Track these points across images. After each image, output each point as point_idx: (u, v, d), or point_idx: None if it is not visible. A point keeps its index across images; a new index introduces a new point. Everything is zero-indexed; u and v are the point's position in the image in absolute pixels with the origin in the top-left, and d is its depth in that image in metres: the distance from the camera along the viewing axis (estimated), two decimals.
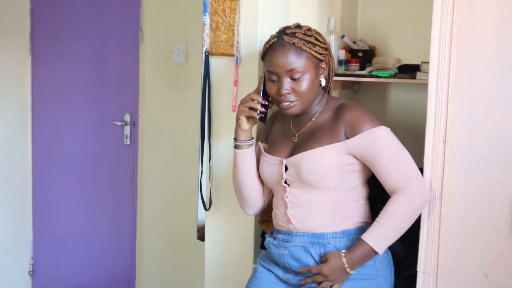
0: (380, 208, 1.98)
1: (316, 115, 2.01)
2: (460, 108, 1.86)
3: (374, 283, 1.94)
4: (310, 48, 1.92)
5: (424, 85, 1.98)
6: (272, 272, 2.08)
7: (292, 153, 2.00)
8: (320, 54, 1.94)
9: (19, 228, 4.02)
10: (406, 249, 2.15)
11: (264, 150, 2.12)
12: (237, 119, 2.09)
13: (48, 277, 4.09)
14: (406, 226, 1.89)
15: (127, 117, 3.64)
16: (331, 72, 2.07)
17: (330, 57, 2.04)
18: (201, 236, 3.20)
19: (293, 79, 1.92)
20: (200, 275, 2.70)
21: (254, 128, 2.17)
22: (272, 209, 2.26)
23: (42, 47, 3.92)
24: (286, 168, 2.00)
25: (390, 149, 1.90)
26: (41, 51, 3.92)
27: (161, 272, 3.63)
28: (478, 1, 1.82)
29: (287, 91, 1.93)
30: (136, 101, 3.60)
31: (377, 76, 2.46)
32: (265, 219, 2.40)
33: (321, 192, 1.94)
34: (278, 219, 2.06)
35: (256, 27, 2.32)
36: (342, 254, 1.88)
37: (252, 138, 2.13)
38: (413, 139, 2.56)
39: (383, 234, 1.88)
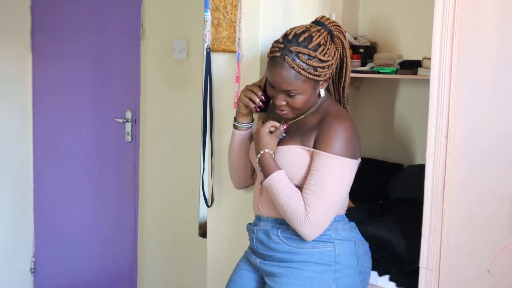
0: (383, 204, 1.99)
1: (306, 113, 2.02)
2: (462, 104, 1.86)
3: (331, 268, 1.96)
4: (310, 73, 1.89)
5: (426, 81, 1.98)
6: (247, 258, 2.17)
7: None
8: (319, 76, 1.91)
9: (20, 225, 4.03)
10: (408, 245, 2.15)
11: None
12: (237, 103, 2.17)
13: (50, 274, 4.09)
14: (277, 202, 1.94)
15: (129, 114, 3.64)
16: (344, 75, 2.05)
17: (346, 61, 2.02)
18: (203, 233, 3.21)
19: (289, 95, 1.94)
20: (202, 272, 2.70)
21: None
22: None
23: (43, 45, 3.92)
24: None
25: (332, 184, 1.89)
26: (42, 48, 3.92)
27: (163, 269, 3.63)
28: None
29: (282, 103, 1.96)
30: (137, 98, 3.60)
31: (378, 72, 2.46)
32: None
33: None
34: (253, 203, 2.16)
35: (257, 23, 2.32)
36: (268, 151, 1.97)
37: (252, 121, 2.20)
38: (415, 135, 2.57)
39: (276, 185, 1.92)
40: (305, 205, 1.89)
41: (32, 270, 4.12)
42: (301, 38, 1.90)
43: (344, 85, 2.07)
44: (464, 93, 1.85)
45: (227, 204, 2.50)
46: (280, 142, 2.01)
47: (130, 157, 3.67)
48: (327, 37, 1.94)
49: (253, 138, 2.07)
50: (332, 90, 2.10)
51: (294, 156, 1.95)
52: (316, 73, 1.91)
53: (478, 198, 1.87)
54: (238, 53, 2.35)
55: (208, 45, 2.42)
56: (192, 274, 3.43)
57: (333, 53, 1.95)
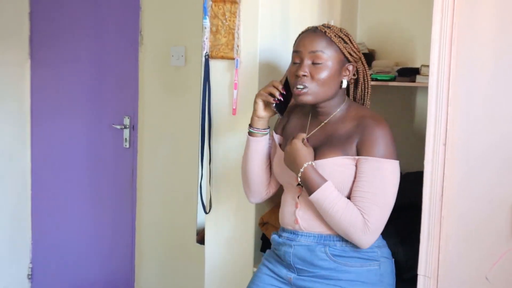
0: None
1: (331, 116, 1.98)
2: (460, 111, 1.86)
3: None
4: (340, 43, 1.91)
5: (424, 88, 1.98)
6: (274, 272, 2.06)
7: None
8: (349, 54, 1.93)
9: (18, 231, 4.02)
10: (406, 252, 2.15)
11: (280, 145, 2.10)
12: (254, 103, 2.06)
13: (47, 281, 4.08)
14: (330, 215, 1.87)
15: (126, 121, 3.64)
16: (364, 82, 2.04)
17: (364, 67, 2.02)
18: (200, 240, 3.20)
19: (314, 63, 1.90)
20: (200, 279, 2.70)
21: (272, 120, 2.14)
22: (272, 211, 2.27)
23: (41, 51, 3.92)
24: None
25: (383, 187, 1.86)
26: (40, 54, 3.92)
27: (161, 276, 3.62)
28: (478, 4, 1.82)
29: (305, 73, 1.90)
30: (136, 104, 3.60)
31: (377, 79, 2.47)
32: (265, 222, 2.40)
33: None
34: (285, 217, 2.05)
35: (256, 30, 2.32)
36: (310, 164, 1.88)
37: (268, 128, 2.10)
38: (413, 142, 2.57)
39: (327, 199, 1.85)
40: (361, 214, 1.84)
41: (30, 276, 4.11)
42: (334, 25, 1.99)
43: (365, 101, 2.07)
44: (462, 101, 1.86)
45: (225, 211, 2.50)
46: (319, 156, 1.93)
47: (128, 163, 3.67)
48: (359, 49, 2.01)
49: (286, 153, 1.94)
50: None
51: (340, 168, 1.89)
52: (345, 45, 1.92)
53: (477, 205, 1.87)
54: (237, 60, 2.35)
55: (206, 52, 2.43)
56: (190, 280, 3.42)
57: (360, 51, 1.99)
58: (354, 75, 2.01)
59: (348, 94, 2.07)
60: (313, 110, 2.03)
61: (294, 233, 2.01)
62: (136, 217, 3.67)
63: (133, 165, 3.65)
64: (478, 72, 1.84)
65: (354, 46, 1.96)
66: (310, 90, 1.91)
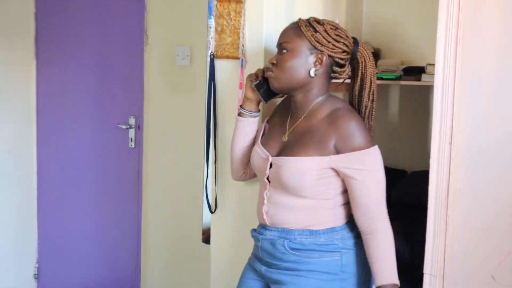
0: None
1: (305, 113, 2.00)
2: (466, 110, 1.86)
3: (338, 277, 1.96)
4: (308, 31, 1.95)
5: (430, 87, 1.98)
6: (251, 266, 2.15)
7: (280, 152, 2.01)
8: (317, 42, 1.95)
9: (24, 231, 4.03)
10: (412, 251, 2.15)
11: (263, 135, 2.14)
12: (245, 83, 2.17)
13: (53, 280, 4.09)
14: (393, 249, 1.93)
15: (132, 120, 3.65)
16: (361, 86, 2.04)
17: (361, 64, 2.02)
18: (206, 239, 3.20)
19: (281, 53, 1.98)
20: (206, 279, 2.70)
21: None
22: None
23: (46, 51, 3.93)
24: (271, 166, 2.01)
25: (370, 180, 1.91)
26: (46, 54, 3.93)
27: (166, 276, 3.63)
28: (483, 2, 1.82)
29: (273, 61, 1.99)
30: (141, 104, 3.60)
31: (382, 78, 2.46)
32: None
33: (297, 198, 1.96)
34: (257, 212, 2.12)
35: (261, 29, 2.32)
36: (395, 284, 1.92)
37: (258, 111, 2.18)
38: (419, 141, 2.57)
39: (388, 268, 1.92)
40: (377, 215, 1.90)
41: (36, 276, 4.12)
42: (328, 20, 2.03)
43: (366, 105, 2.04)
44: (468, 99, 1.86)
45: (230, 210, 2.50)
46: (289, 151, 1.96)
47: (133, 163, 3.67)
48: (346, 35, 2.00)
49: None
50: (357, 105, 2.07)
51: (305, 167, 1.91)
52: (314, 34, 1.95)
53: (482, 204, 1.87)
54: (242, 60, 2.36)
55: (211, 52, 2.43)
56: (196, 280, 3.42)
57: (342, 44, 1.98)
58: (342, 66, 2.01)
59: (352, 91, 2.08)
60: (292, 105, 2.06)
61: (263, 227, 2.08)
62: (141, 216, 3.67)
63: (138, 165, 3.66)
64: (484, 70, 1.84)
65: (329, 36, 1.95)
66: (275, 75, 1.99)
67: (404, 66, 2.56)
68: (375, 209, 1.91)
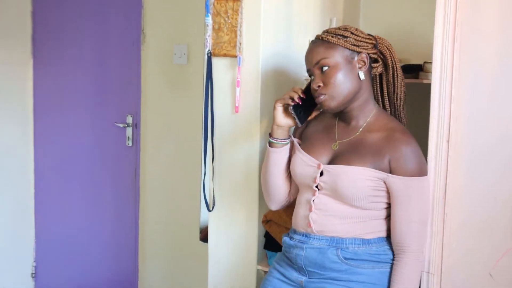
0: None
1: (363, 126, 1.96)
2: (464, 108, 1.86)
3: None
4: (339, 39, 1.90)
5: (427, 85, 1.98)
6: (285, 276, 2.05)
7: (332, 160, 1.95)
8: (353, 45, 1.91)
9: (21, 230, 4.02)
10: None
11: (299, 146, 2.06)
12: (274, 109, 2.02)
13: (51, 279, 4.09)
14: (418, 281, 1.93)
15: (129, 119, 3.65)
16: (397, 85, 2.02)
17: (396, 69, 2.00)
18: (204, 238, 3.20)
19: (323, 72, 1.90)
20: (203, 277, 2.70)
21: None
22: (279, 210, 2.26)
23: (43, 50, 3.92)
24: (321, 173, 1.95)
25: (421, 206, 1.89)
26: (43, 53, 3.93)
27: (164, 274, 3.63)
28: (481, 1, 1.82)
29: (319, 84, 1.91)
30: (138, 103, 3.60)
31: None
32: (269, 219, 2.40)
33: (351, 207, 1.91)
34: (298, 219, 2.03)
35: (258, 28, 2.32)
36: None
37: (289, 137, 2.07)
38: (416, 139, 2.56)
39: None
40: (410, 245, 1.88)
41: (33, 274, 4.12)
42: (338, 27, 1.98)
43: (398, 94, 2.02)
44: (465, 97, 1.86)
45: (228, 209, 2.50)
46: (344, 160, 1.92)
47: (131, 162, 3.67)
48: (369, 36, 1.98)
49: None
50: (388, 104, 2.05)
51: (363, 178, 1.87)
52: (345, 39, 1.90)
53: (480, 202, 1.87)
54: (239, 58, 2.35)
55: (209, 50, 2.43)
56: (193, 278, 3.42)
57: (369, 38, 1.95)
58: (377, 61, 1.99)
59: (382, 89, 2.05)
60: (343, 115, 2.00)
61: (306, 236, 1.99)
62: (139, 215, 3.67)
63: (136, 163, 3.65)
64: (481, 68, 1.84)
65: (358, 36, 1.93)
66: (329, 96, 1.90)
67: (401, 64, 2.56)
68: (409, 239, 1.88)
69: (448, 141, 1.89)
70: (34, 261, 4.11)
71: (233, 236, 2.51)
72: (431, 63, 1.93)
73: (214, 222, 2.55)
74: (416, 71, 2.40)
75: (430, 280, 1.96)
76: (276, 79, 2.40)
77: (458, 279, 1.92)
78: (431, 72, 1.92)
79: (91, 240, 3.91)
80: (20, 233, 4.02)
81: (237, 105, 2.36)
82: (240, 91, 2.36)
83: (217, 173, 2.49)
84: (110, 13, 3.66)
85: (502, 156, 1.83)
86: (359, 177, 1.87)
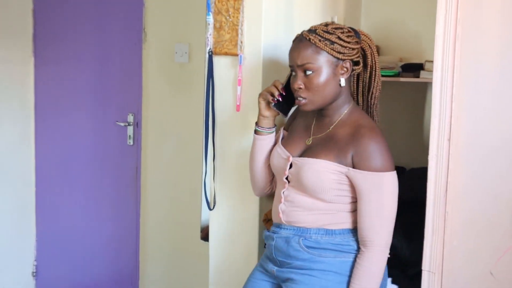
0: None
1: (335, 123, 2.00)
2: (465, 107, 1.86)
3: (349, 280, 1.94)
4: (326, 46, 1.90)
5: (428, 84, 1.98)
6: (263, 267, 2.12)
7: (302, 154, 2.01)
8: (339, 52, 1.91)
9: (22, 229, 4.03)
10: (411, 247, 2.15)
11: (282, 138, 2.13)
12: (258, 102, 2.10)
13: (52, 278, 4.09)
14: (379, 276, 1.92)
15: (130, 118, 3.65)
16: (374, 83, 2.03)
17: (375, 67, 2.01)
18: (205, 236, 3.20)
19: (306, 74, 1.92)
20: (204, 276, 2.70)
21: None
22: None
23: (45, 48, 3.92)
24: (291, 166, 2.01)
25: (383, 201, 1.89)
26: (44, 52, 3.92)
27: (165, 273, 3.63)
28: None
29: (299, 86, 1.94)
30: (139, 102, 3.60)
31: (381, 75, 2.46)
32: (269, 218, 2.40)
33: (316, 200, 1.96)
34: (273, 211, 2.11)
35: (260, 26, 2.32)
36: None
37: (274, 126, 2.14)
38: (417, 138, 2.57)
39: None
40: (374, 240, 1.88)
41: (34, 273, 4.12)
42: (324, 24, 1.96)
43: (373, 93, 2.05)
44: (466, 96, 1.85)
45: (229, 207, 2.50)
46: (311, 153, 1.96)
47: (132, 160, 3.67)
48: (352, 32, 1.97)
49: None
50: (361, 101, 2.08)
51: (325, 170, 1.91)
52: (332, 46, 1.90)
53: (481, 201, 1.87)
54: (240, 56, 2.35)
55: (210, 49, 2.43)
56: (194, 277, 3.42)
57: (355, 42, 1.95)
58: (358, 63, 2.00)
59: (358, 86, 2.07)
60: (319, 112, 2.04)
61: (278, 227, 2.07)
62: (140, 214, 3.68)
63: (137, 162, 3.66)
64: (483, 67, 1.84)
65: (344, 41, 1.93)
66: (308, 100, 1.95)
67: (402, 63, 2.56)
68: (372, 234, 1.90)
69: (449, 140, 1.88)
70: (35, 260, 4.12)
71: (234, 235, 2.51)
72: (432, 62, 1.92)
73: (215, 221, 2.55)
74: (417, 70, 2.41)
75: (431, 279, 1.96)
76: (277, 77, 2.40)
77: (459, 277, 1.92)
78: (432, 71, 1.92)
79: (92, 239, 3.91)
80: (21, 232, 4.02)
81: (238, 103, 2.36)
82: (241, 89, 2.36)
83: (218, 172, 2.49)
84: (111, 12, 3.66)
85: (504, 154, 1.83)
86: (321, 170, 1.91)
